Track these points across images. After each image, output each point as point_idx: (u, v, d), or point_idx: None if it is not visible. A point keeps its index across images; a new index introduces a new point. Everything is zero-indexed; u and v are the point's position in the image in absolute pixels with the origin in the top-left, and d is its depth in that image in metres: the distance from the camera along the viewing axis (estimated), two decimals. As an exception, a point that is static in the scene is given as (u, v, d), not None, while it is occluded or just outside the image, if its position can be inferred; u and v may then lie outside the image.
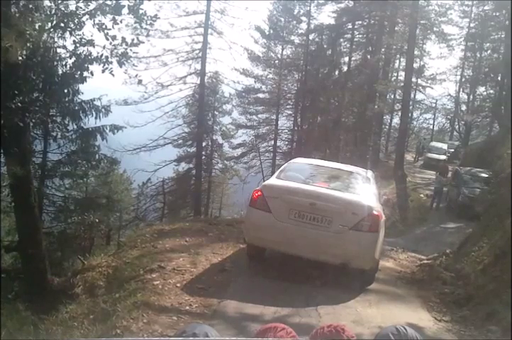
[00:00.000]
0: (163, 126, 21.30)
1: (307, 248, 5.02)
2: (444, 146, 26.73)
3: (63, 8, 8.47)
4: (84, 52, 9.16)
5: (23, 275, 9.96)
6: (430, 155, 25.69)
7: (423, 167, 25.30)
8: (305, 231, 4.97)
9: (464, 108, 33.53)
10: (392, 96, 30.53)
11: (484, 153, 18.89)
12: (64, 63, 9.80)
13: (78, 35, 8.80)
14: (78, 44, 8.96)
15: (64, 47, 9.33)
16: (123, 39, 9.09)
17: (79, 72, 9.69)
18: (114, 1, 8.64)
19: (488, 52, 30.80)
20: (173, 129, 21.93)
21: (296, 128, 28.16)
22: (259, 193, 5.21)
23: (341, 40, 26.83)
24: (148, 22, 9.38)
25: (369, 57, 25.34)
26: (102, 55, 9.07)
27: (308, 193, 5.10)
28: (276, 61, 27.74)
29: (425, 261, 7.59)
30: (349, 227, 4.93)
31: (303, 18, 26.81)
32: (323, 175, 6.02)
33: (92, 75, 9.90)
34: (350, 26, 26.37)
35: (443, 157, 23.92)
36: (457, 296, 5.26)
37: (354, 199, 5.18)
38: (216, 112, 24.14)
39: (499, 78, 26.62)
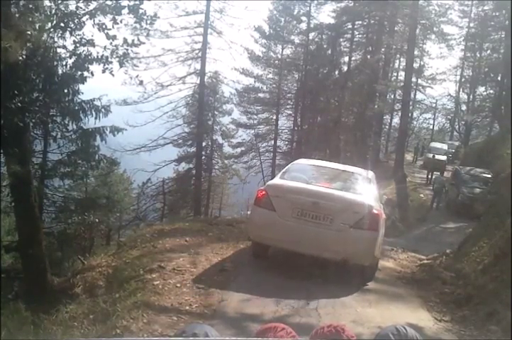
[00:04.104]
0: (163, 126, 21.29)
1: (309, 246, 5.18)
2: (445, 146, 26.67)
3: (63, 8, 8.50)
4: (84, 52, 9.17)
5: (23, 275, 9.94)
6: (430, 155, 25.66)
7: (423, 167, 25.29)
8: (307, 229, 5.13)
9: (464, 108, 33.52)
10: (392, 96, 30.51)
11: (484, 153, 18.91)
12: (64, 63, 9.80)
13: (78, 35, 8.83)
14: (78, 44, 8.98)
15: (64, 47, 9.35)
16: (125, 39, 9.12)
17: (79, 72, 9.70)
18: (114, 1, 8.66)
19: (488, 52, 30.77)
20: (173, 129, 21.94)
21: (296, 128, 28.17)
22: (263, 192, 5.40)
23: (341, 39, 26.84)
24: (148, 21, 9.40)
25: (369, 57, 25.33)
26: (102, 55, 9.08)
27: (311, 192, 5.27)
28: (276, 61, 27.75)
29: (425, 261, 7.59)
30: (349, 225, 5.09)
31: (303, 18, 26.83)
32: (325, 175, 6.18)
33: (92, 75, 9.91)
34: (350, 26, 26.37)
35: (443, 157, 23.91)
36: (457, 296, 5.26)
37: (354, 198, 5.34)
38: (216, 112, 24.15)
39: (499, 78, 26.63)
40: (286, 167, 6.29)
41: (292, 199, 5.22)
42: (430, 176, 21.73)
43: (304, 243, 5.16)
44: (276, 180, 5.78)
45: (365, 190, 5.68)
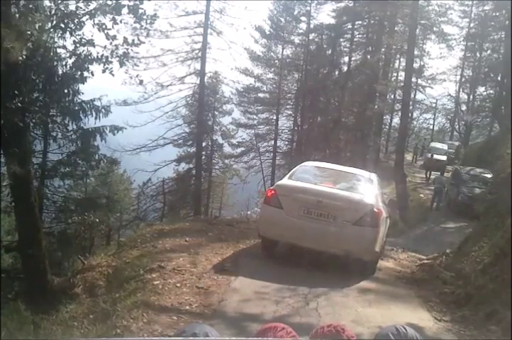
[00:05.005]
0: (163, 126, 21.28)
1: (314, 241, 5.52)
2: (445, 146, 26.68)
3: (63, 8, 8.50)
4: (84, 52, 9.19)
5: (23, 275, 9.93)
6: (429, 155, 25.64)
7: (423, 167, 25.30)
8: (312, 226, 5.48)
9: (464, 108, 33.52)
10: (392, 96, 30.49)
11: (484, 153, 18.90)
12: (64, 63, 9.82)
13: (78, 35, 8.83)
14: (78, 44, 8.99)
15: (64, 47, 9.38)
16: (125, 39, 9.13)
17: (79, 72, 9.71)
18: (114, 1, 8.66)
19: (488, 52, 30.77)
20: (173, 129, 21.91)
21: (296, 128, 28.13)
22: (272, 191, 5.85)
23: (341, 39, 26.80)
24: (148, 21, 9.41)
25: (369, 57, 25.31)
26: (102, 55, 9.09)
27: (316, 192, 5.65)
28: (276, 61, 27.72)
29: (425, 261, 7.59)
30: (351, 223, 5.45)
31: (303, 18, 26.81)
32: (330, 176, 6.48)
33: (92, 75, 9.92)
34: (350, 26, 26.34)
35: (443, 157, 23.97)
36: (457, 296, 5.26)
37: (356, 197, 5.67)
38: (216, 112, 24.13)
39: (499, 78, 26.60)
40: (294, 168, 6.64)
41: (299, 198, 5.58)
42: (428, 175, 22.08)
43: (309, 239, 5.49)
44: (285, 181, 6.16)
45: (367, 190, 5.96)
